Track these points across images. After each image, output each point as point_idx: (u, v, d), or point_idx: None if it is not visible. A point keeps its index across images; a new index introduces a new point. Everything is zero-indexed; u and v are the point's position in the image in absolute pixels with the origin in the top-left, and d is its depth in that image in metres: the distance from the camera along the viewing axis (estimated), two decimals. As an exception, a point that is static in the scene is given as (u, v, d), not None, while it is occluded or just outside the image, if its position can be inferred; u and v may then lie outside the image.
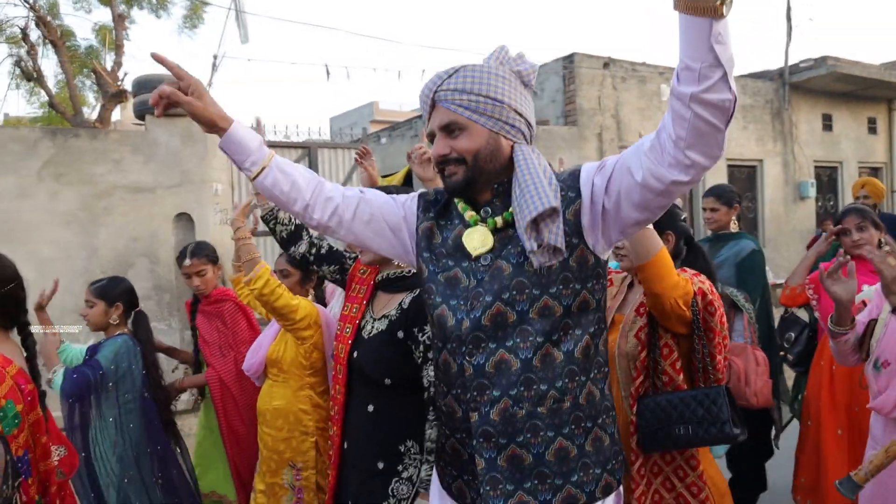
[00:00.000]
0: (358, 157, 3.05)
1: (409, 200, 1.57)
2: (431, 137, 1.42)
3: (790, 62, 10.95)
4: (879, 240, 2.97)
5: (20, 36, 11.71)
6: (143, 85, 6.09)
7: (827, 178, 11.88)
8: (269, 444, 2.64)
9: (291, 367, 2.62)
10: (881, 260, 1.93)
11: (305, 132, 7.47)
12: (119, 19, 12.08)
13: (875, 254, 1.96)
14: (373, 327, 1.93)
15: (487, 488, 1.35)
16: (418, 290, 1.87)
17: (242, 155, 1.42)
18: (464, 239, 1.41)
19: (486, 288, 1.36)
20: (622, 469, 1.46)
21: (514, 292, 1.34)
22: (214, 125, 1.40)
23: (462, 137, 1.37)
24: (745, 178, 10.72)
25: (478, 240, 1.40)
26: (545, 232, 1.29)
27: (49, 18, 12.03)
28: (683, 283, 1.91)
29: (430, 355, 1.76)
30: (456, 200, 1.47)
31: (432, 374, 1.76)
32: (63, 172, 5.77)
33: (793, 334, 3.41)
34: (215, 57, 7.48)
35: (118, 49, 11.89)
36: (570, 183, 1.36)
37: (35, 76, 11.98)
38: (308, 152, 7.21)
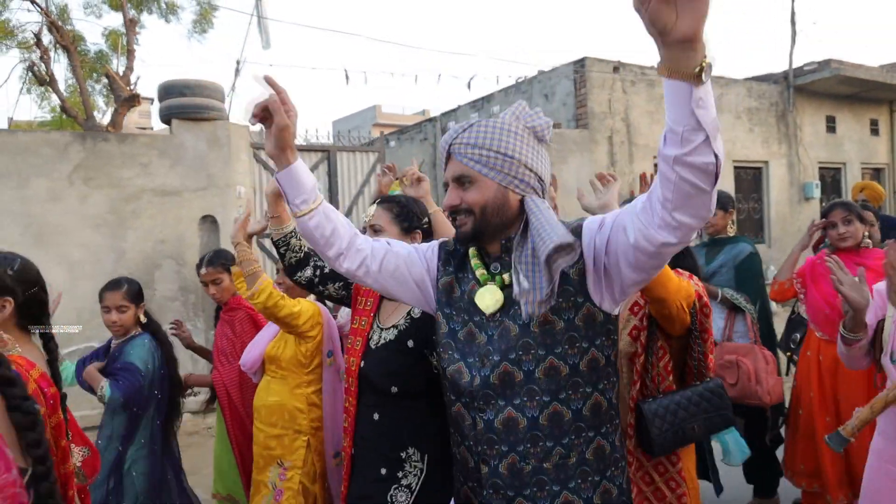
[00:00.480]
0: (383, 171, 3.21)
1: (431, 252, 1.61)
2: (447, 187, 1.47)
3: (794, 65, 11.12)
4: (864, 233, 3.07)
5: (34, 41, 11.84)
6: (169, 90, 6.22)
7: (831, 179, 12.05)
8: (260, 441, 2.65)
9: (290, 364, 2.64)
10: (890, 265, 1.98)
11: (324, 136, 7.61)
12: (130, 24, 12.22)
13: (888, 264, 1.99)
14: (380, 337, 1.94)
15: None
16: None
17: (297, 191, 1.47)
18: (476, 299, 1.45)
19: (494, 346, 1.40)
20: None
21: (521, 352, 1.37)
22: (284, 152, 1.45)
23: (472, 190, 1.41)
24: (750, 179, 10.88)
25: (489, 299, 1.43)
26: (556, 270, 1.30)
27: (61, 24, 12.16)
28: (686, 285, 1.96)
29: None
30: (470, 254, 1.51)
31: None
32: (93, 176, 5.90)
33: (798, 335, 3.49)
34: (238, 62, 7.61)
35: (130, 54, 12.02)
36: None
37: (48, 81, 12.10)
38: (328, 156, 7.35)
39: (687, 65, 1.01)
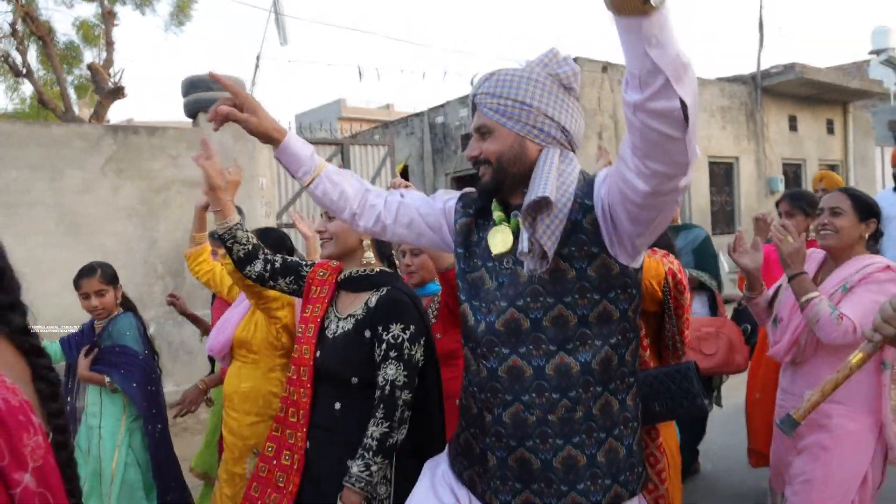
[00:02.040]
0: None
1: (451, 198, 1.60)
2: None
3: (762, 67, 11.90)
4: (809, 227, 3.20)
5: (10, 31, 11.58)
6: (195, 85, 6.36)
7: (793, 175, 12.93)
8: (234, 430, 2.52)
9: (262, 347, 2.53)
10: (781, 238, 2.16)
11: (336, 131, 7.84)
12: (109, 16, 12.07)
13: (775, 232, 2.17)
14: (338, 326, 1.88)
15: (497, 482, 1.40)
16: (385, 289, 1.86)
17: (295, 165, 1.52)
18: (488, 237, 1.43)
19: (502, 293, 1.37)
20: (639, 481, 1.43)
21: (528, 299, 1.33)
22: (270, 138, 1.50)
23: (490, 140, 1.39)
24: (723, 173, 11.62)
25: (499, 238, 1.40)
26: (539, 225, 1.26)
27: (36, 15, 11.92)
28: (655, 264, 1.99)
29: (391, 354, 1.77)
30: (493, 205, 1.47)
31: (389, 372, 1.76)
32: (124, 168, 6.00)
33: (748, 326, 3.56)
34: (258, 57, 7.73)
35: (108, 46, 11.89)
36: (585, 191, 1.35)
37: (24, 72, 11.86)
38: (341, 149, 7.60)
39: None
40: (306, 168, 1.52)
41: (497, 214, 1.43)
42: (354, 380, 1.81)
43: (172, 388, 3.26)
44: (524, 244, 1.28)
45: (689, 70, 0.97)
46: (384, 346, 1.78)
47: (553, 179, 1.27)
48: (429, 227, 1.58)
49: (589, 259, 1.31)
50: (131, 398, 2.68)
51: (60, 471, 0.97)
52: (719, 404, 3.75)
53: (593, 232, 1.31)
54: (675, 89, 0.96)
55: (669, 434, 2.12)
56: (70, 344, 2.82)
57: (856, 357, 1.38)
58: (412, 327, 1.79)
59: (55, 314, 4.05)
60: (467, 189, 1.61)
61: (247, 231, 2.01)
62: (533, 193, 1.26)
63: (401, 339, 1.77)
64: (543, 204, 1.25)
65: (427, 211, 1.58)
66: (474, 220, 1.50)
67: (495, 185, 1.41)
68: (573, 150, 1.40)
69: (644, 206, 1.19)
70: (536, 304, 1.33)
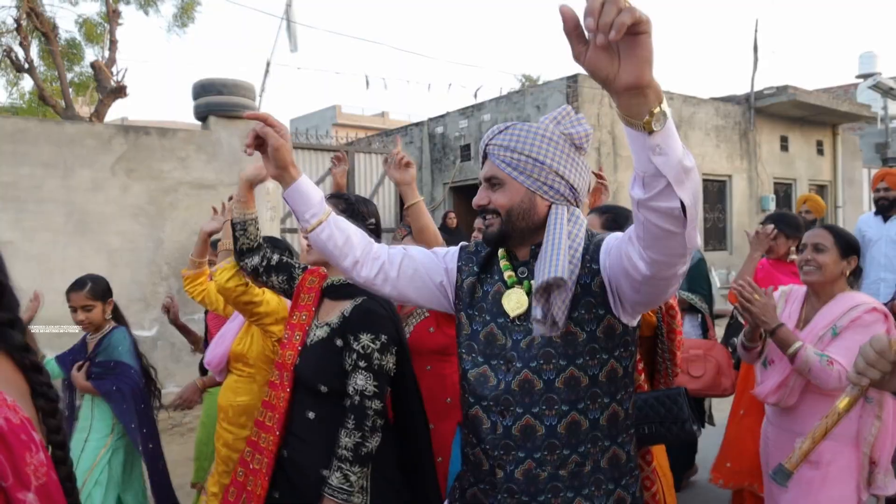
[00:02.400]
0: (335, 162, 3.16)
1: (451, 254, 1.61)
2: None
3: (755, 88, 12.17)
4: (789, 248, 3.38)
5: (14, 27, 11.62)
6: (206, 88, 6.46)
7: (783, 194, 13.19)
8: (228, 443, 2.52)
9: (258, 361, 2.53)
10: (748, 299, 2.19)
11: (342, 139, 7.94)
12: (114, 15, 12.15)
13: (741, 295, 2.20)
14: (314, 334, 1.92)
15: None
16: (361, 299, 1.88)
17: (304, 206, 1.49)
18: (503, 301, 1.45)
19: (518, 353, 1.40)
20: None
21: (542, 361, 1.37)
22: (287, 170, 1.49)
23: (500, 192, 1.42)
24: (716, 191, 11.84)
25: (514, 301, 1.43)
26: (555, 301, 1.30)
27: (41, 11, 11.97)
28: None
29: (360, 363, 1.81)
30: (499, 255, 1.50)
31: (358, 382, 1.79)
32: (134, 168, 6.09)
33: (736, 340, 3.67)
34: (268, 64, 7.82)
35: (112, 45, 11.97)
36: (592, 253, 1.39)
37: (27, 68, 11.89)
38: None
39: (637, 113, 0.97)
40: (314, 211, 1.50)
41: (508, 275, 1.47)
42: (323, 388, 1.84)
43: (174, 389, 3.32)
44: (538, 313, 1.31)
45: (691, 174, 1.03)
46: (353, 355, 1.81)
47: (565, 254, 1.31)
48: (431, 282, 1.58)
49: (597, 321, 1.37)
50: (119, 417, 2.70)
51: (61, 486, 0.96)
52: (711, 423, 3.83)
53: (600, 294, 1.36)
54: (676, 192, 1.02)
55: (660, 451, 2.16)
56: (65, 361, 2.86)
57: (842, 402, 1.35)
58: (383, 337, 1.82)
59: (62, 311, 4.12)
60: (463, 243, 1.65)
61: (258, 228, 2.08)
62: (546, 273, 1.28)
63: (370, 349, 1.80)
64: (558, 282, 1.28)
65: (430, 266, 1.58)
66: (477, 278, 1.53)
67: (502, 236, 1.44)
68: (578, 206, 1.46)
69: (645, 283, 1.24)
70: (549, 365, 1.37)
